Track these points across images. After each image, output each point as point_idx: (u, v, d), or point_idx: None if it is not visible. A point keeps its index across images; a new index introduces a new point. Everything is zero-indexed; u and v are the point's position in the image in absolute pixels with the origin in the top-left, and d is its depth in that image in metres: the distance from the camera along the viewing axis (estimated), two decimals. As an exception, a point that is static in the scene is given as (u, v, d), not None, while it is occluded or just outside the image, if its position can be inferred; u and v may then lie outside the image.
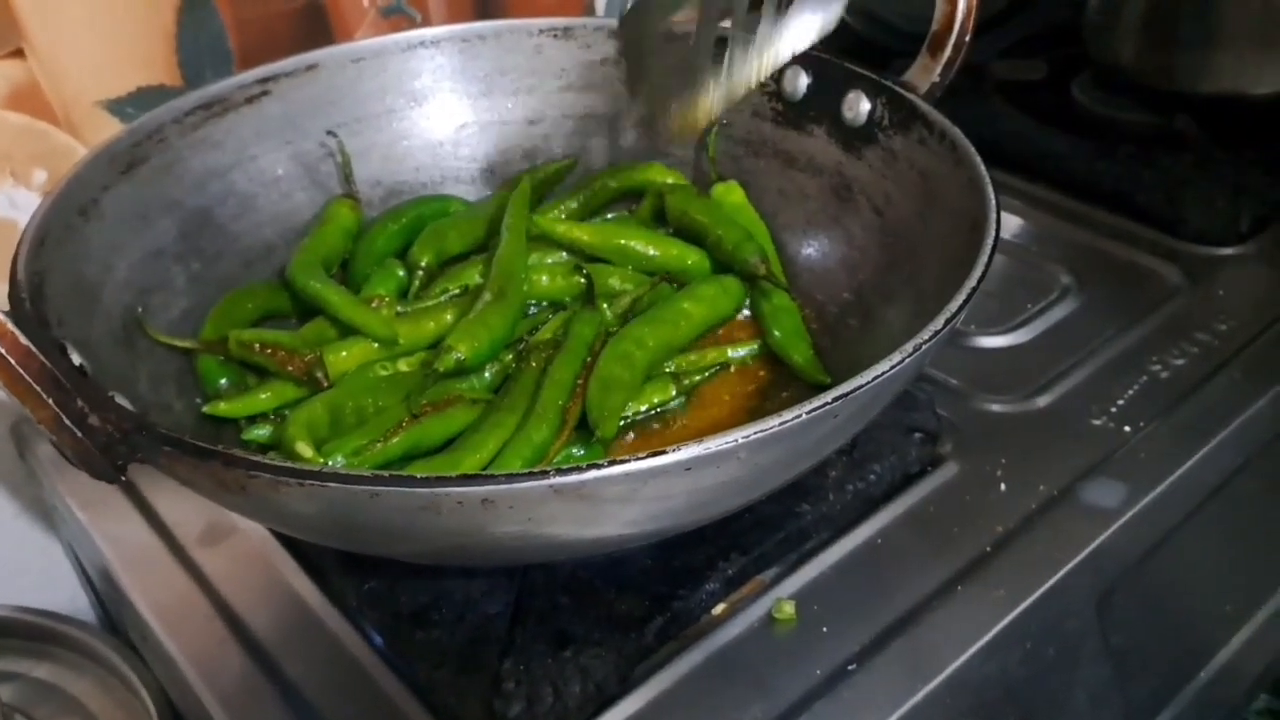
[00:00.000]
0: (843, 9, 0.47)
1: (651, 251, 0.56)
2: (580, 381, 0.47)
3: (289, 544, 0.50)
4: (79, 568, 0.64)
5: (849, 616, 0.45)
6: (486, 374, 0.49)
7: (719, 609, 0.46)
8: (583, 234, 0.57)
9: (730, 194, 0.58)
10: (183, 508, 0.53)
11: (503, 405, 0.46)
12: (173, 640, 0.48)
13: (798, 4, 0.47)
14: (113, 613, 0.59)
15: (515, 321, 0.51)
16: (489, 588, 0.45)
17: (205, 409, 0.47)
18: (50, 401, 0.33)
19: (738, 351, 0.53)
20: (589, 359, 0.48)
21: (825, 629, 0.45)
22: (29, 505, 0.63)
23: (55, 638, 0.55)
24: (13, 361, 0.32)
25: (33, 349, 0.32)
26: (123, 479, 0.35)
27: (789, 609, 0.46)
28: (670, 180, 0.60)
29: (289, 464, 0.32)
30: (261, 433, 0.46)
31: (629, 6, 0.45)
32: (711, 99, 0.50)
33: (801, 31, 0.47)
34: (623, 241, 0.56)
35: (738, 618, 0.46)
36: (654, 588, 0.45)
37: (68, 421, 0.33)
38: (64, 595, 0.64)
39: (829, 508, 0.49)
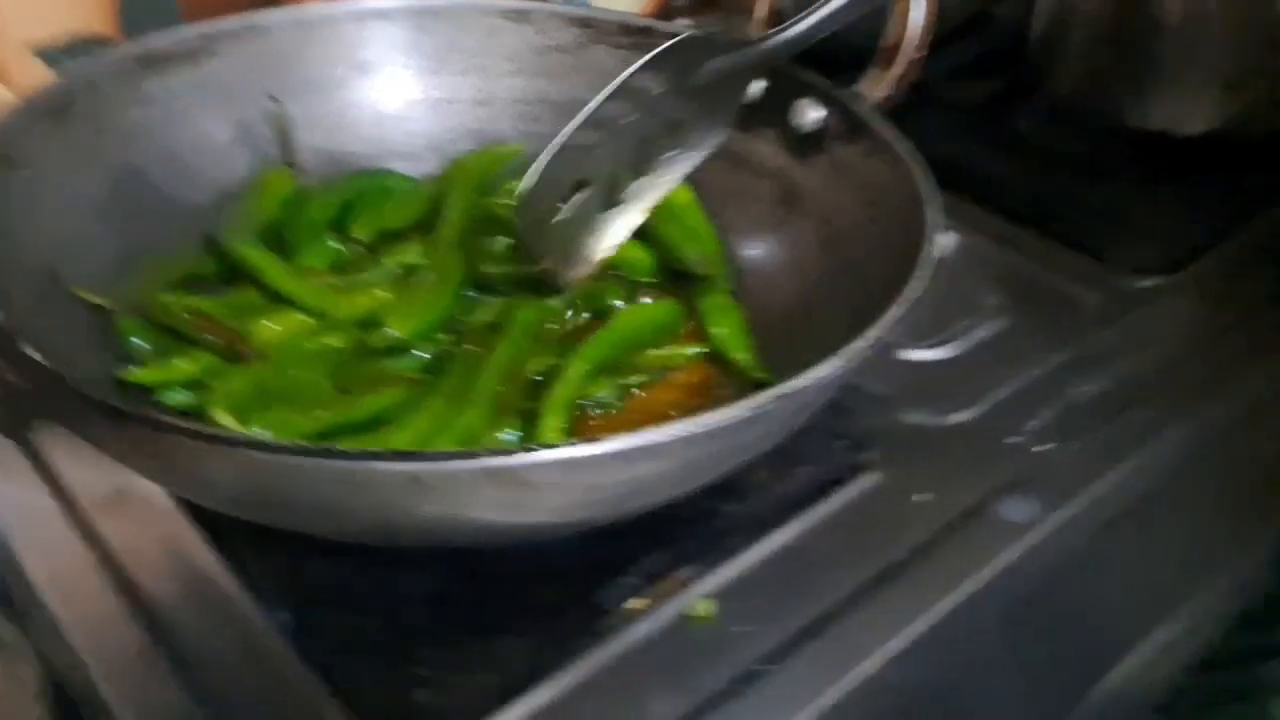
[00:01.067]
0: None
1: None
2: (519, 367, 0.47)
3: (196, 514, 0.48)
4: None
5: (766, 617, 0.46)
6: (421, 354, 0.48)
7: (638, 603, 0.46)
8: None
9: (677, 193, 0.58)
10: (85, 470, 0.51)
11: (436, 387, 0.46)
12: (62, 609, 0.46)
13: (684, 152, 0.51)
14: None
15: (454, 302, 0.50)
16: (406, 571, 0.44)
17: (123, 375, 0.45)
18: (-44, 349, 0.31)
19: (680, 352, 0.53)
20: (529, 345, 0.48)
21: (741, 628, 0.45)
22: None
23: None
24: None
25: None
26: (27, 436, 0.34)
27: (707, 607, 0.46)
28: None
29: (210, 429, 0.31)
30: (180, 397, 0.45)
31: (521, 197, 0.48)
32: (608, 244, 0.51)
33: (685, 169, 0.51)
34: None
35: (656, 613, 0.45)
36: (574, 580, 0.45)
37: (-25, 371, 0.32)
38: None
39: (752, 508, 0.49)
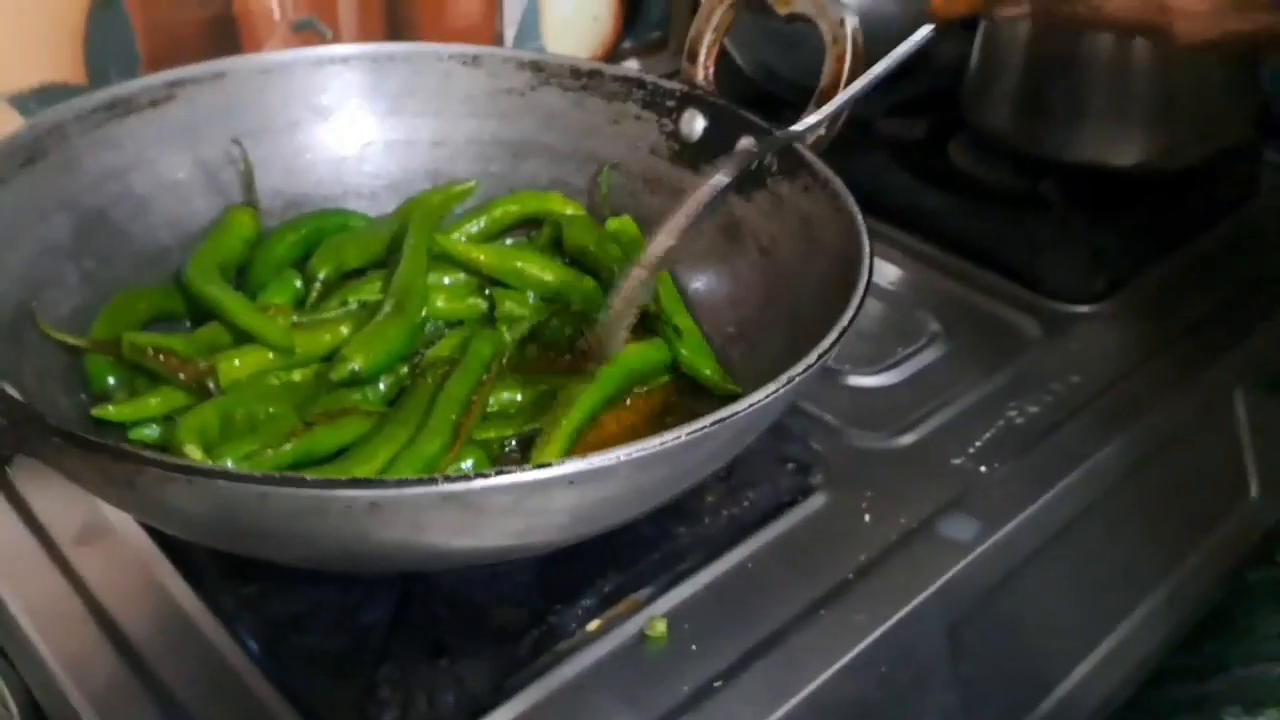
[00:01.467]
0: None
1: (548, 277, 0.58)
2: (475, 399, 0.48)
3: (166, 546, 0.50)
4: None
5: (718, 636, 0.47)
6: (381, 386, 0.50)
7: (594, 625, 0.47)
8: (482, 255, 0.58)
9: (625, 228, 0.60)
10: (59, 506, 0.52)
11: (396, 418, 0.47)
12: (42, 640, 0.47)
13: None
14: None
15: (412, 336, 0.52)
16: (368, 596, 0.46)
17: (94, 412, 0.47)
18: (-61, 388, 0.33)
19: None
20: (485, 377, 0.50)
21: (695, 647, 0.47)
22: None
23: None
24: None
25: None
26: (5, 470, 0.35)
27: (661, 627, 0.47)
28: (569, 211, 0.62)
29: (178, 460, 0.33)
30: (149, 432, 0.46)
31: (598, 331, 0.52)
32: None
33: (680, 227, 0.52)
34: (520, 265, 0.58)
35: (611, 634, 0.47)
36: (531, 602, 0.47)
37: (-45, 409, 0.33)
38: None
39: (704, 531, 0.51)
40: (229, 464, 0.43)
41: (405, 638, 0.44)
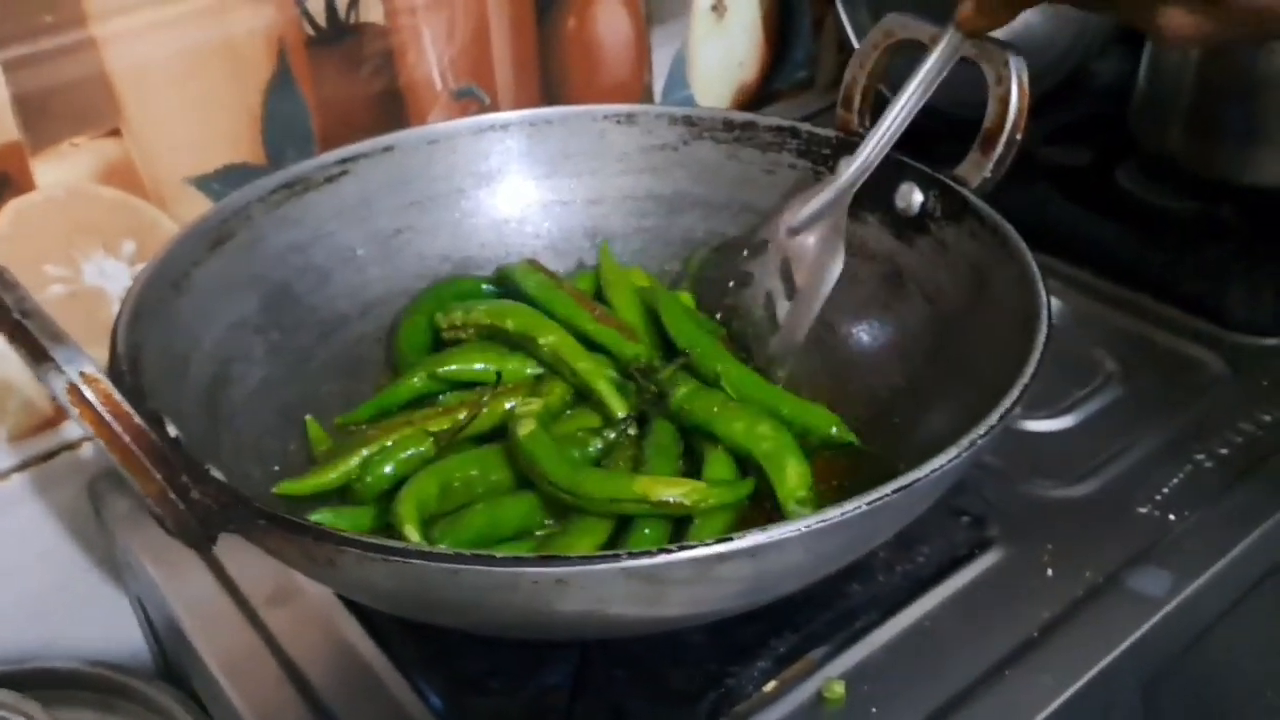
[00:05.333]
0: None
1: None
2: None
3: (354, 607, 0.52)
4: (145, 622, 0.66)
5: (898, 698, 0.46)
6: None
7: (770, 686, 0.47)
8: None
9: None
10: (252, 569, 0.55)
11: None
12: (239, 696, 0.49)
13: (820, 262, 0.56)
14: (178, 667, 0.61)
15: None
16: (548, 658, 0.47)
17: (275, 490, 0.49)
18: (158, 476, 0.35)
19: None
20: None
21: (874, 709, 0.46)
22: (100, 560, 0.65)
23: (122, 691, 0.57)
24: (127, 439, 0.34)
25: (145, 427, 0.35)
26: (213, 547, 0.37)
27: (839, 689, 0.47)
28: None
29: (375, 540, 0.34)
30: (324, 517, 0.48)
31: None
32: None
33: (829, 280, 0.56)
34: None
35: (788, 696, 0.47)
36: (707, 664, 0.47)
37: (172, 495, 0.35)
38: (127, 649, 0.66)
39: (878, 588, 0.50)
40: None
41: (588, 701, 0.45)
